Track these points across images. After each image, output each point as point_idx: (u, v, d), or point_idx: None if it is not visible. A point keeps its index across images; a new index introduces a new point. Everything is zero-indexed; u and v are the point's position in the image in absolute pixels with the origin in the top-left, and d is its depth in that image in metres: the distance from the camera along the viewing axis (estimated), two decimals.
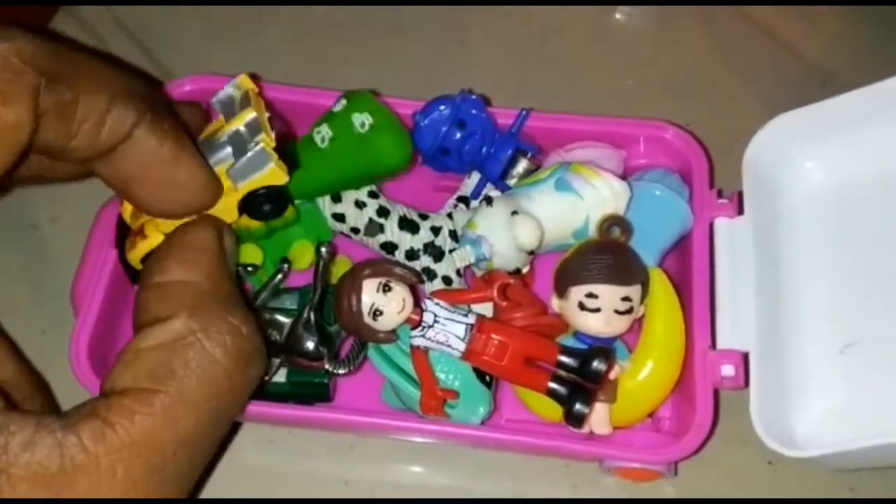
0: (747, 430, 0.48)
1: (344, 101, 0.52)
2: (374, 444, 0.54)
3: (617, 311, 0.49)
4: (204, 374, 0.38)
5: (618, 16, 0.70)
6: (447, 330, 0.48)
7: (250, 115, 0.47)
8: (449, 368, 0.50)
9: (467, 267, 0.54)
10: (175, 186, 0.42)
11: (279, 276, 0.53)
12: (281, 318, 0.52)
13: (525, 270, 0.53)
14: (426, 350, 0.49)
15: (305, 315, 0.51)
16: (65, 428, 0.34)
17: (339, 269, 0.55)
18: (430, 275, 0.54)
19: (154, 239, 0.46)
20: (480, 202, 0.53)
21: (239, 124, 0.47)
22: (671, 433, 0.51)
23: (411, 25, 0.69)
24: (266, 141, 0.46)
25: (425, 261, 0.54)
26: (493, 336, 0.48)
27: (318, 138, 0.51)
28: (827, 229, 0.54)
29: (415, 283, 0.49)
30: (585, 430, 0.48)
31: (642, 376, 0.50)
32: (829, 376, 0.51)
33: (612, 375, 0.48)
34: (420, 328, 0.49)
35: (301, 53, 0.67)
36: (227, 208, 0.47)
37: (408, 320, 0.48)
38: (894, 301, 0.50)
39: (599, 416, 0.48)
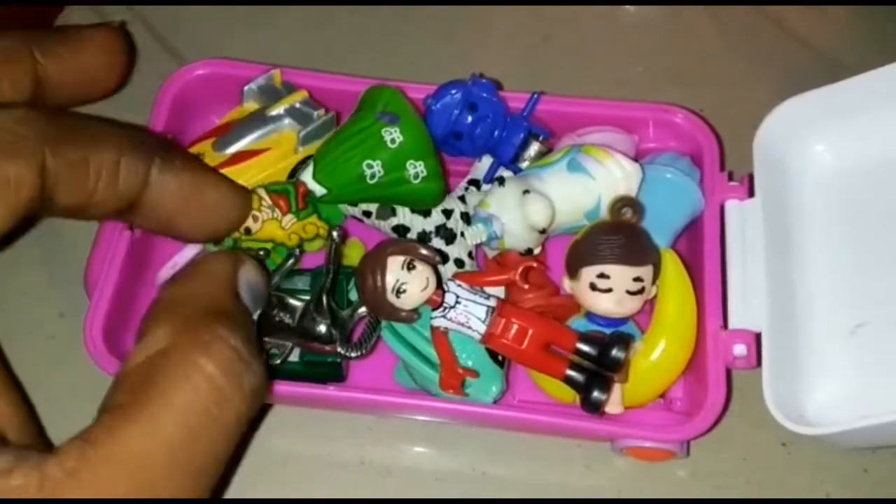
0: (761, 412, 0.48)
1: (395, 131, 0.52)
2: (391, 426, 0.54)
3: (628, 292, 0.49)
4: (188, 382, 0.35)
5: (632, 6, 0.71)
6: (468, 311, 0.49)
7: (302, 96, 0.55)
8: (462, 348, 0.50)
9: (479, 247, 0.54)
10: (208, 210, 0.45)
11: (291, 261, 0.54)
12: (293, 301, 0.52)
13: (537, 252, 0.53)
14: (446, 331, 0.50)
15: (318, 298, 0.51)
16: (47, 453, 0.33)
17: (352, 251, 0.55)
18: (443, 257, 0.54)
19: None
20: (493, 182, 0.54)
21: (293, 102, 0.55)
22: (683, 413, 0.51)
23: (423, 13, 0.69)
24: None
25: (437, 243, 0.54)
26: (514, 320, 0.49)
27: (368, 173, 0.52)
28: (837, 211, 0.54)
29: (438, 263, 0.50)
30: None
31: (654, 357, 0.50)
32: (840, 356, 0.51)
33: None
34: (442, 309, 0.49)
35: (313, 39, 0.68)
36: (283, 172, 0.55)
37: (429, 301, 0.49)
38: None
39: (612, 396, 0.49)
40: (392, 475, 0.53)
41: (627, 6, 0.70)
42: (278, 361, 0.52)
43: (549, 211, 0.50)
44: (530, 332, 0.49)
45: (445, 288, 0.50)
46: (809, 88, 0.54)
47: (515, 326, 0.49)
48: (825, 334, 0.52)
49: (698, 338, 0.50)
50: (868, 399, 0.49)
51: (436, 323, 0.50)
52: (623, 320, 0.50)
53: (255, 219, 0.53)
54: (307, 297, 0.52)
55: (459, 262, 0.54)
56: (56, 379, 0.55)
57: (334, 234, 0.52)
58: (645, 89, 0.66)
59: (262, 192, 0.53)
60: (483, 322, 0.49)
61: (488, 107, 0.55)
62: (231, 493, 0.53)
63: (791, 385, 0.49)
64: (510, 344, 0.49)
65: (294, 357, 0.52)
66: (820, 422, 0.48)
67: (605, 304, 0.49)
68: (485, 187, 0.56)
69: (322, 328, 0.51)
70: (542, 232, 0.51)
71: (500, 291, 0.52)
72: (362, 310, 0.52)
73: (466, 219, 0.55)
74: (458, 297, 0.49)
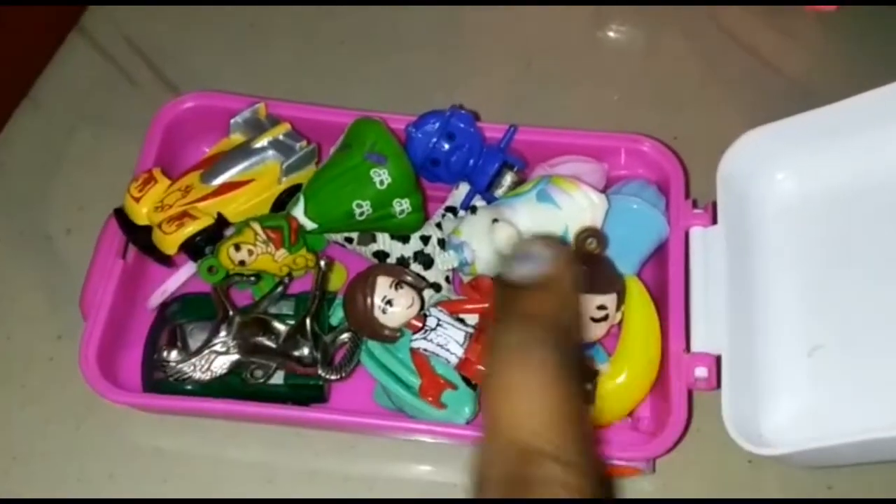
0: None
1: (384, 172, 0.54)
2: (373, 444, 0.56)
3: (593, 319, 0.51)
4: None
5: (610, 34, 0.72)
6: (448, 334, 0.51)
7: (285, 128, 0.58)
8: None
9: (454, 272, 0.57)
10: None
11: (280, 289, 0.56)
12: (278, 324, 0.55)
13: None
14: (426, 353, 0.52)
15: (302, 323, 0.54)
16: None
17: (335, 276, 0.57)
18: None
19: (204, 221, 0.54)
20: (467, 210, 0.56)
21: (277, 134, 0.57)
22: (649, 432, 0.53)
23: (408, 45, 0.72)
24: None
25: (415, 268, 0.56)
26: None
27: (357, 211, 0.55)
28: (796, 238, 0.56)
29: (423, 287, 0.53)
30: None
31: (619, 380, 0.52)
32: (797, 378, 0.53)
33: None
34: (423, 331, 0.52)
35: (303, 71, 0.70)
36: (268, 202, 0.58)
37: (409, 325, 0.51)
38: (859, 307, 0.53)
39: None
40: (374, 490, 0.55)
41: (609, 31, 0.72)
42: (262, 381, 0.54)
43: (514, 239, 0.52)
44: None
45: (427, 313, 0.52)
46: (781, 116, 0.56)
47: None
48: (783, 357, 0.53)
49: (662, 360, 0.52)
50: (823, 420, 0.51)
51: (415, 345, 0.52)
52: (590, 344, 0.53)
53: (251, 252, 0.55)
54: (291, 321, 0.55)
55: (437, 287, 0.56)
56: (55, 398, 0.57)
57: (321, 263, 0.54)
58: (623, 116, 0.68)
59: (258, 227, 0.55)
60: (461, 345, 0.51)
61: (465, 137, 0.57)
62: None
63: (750, 406, 0.51)
64: (484, 370, 0.51)
65: (279, 380, 0.55)
66: (778, 442, 0.50)
67: None
68: (461, 214, 0.59)
69: (305, 351, 0.54)
70: None
71: (472, 317, 0.54)
72: (343, 336, 0.54)
73: (443, 245, 0.57)
74: (439, 320, 0.52)
